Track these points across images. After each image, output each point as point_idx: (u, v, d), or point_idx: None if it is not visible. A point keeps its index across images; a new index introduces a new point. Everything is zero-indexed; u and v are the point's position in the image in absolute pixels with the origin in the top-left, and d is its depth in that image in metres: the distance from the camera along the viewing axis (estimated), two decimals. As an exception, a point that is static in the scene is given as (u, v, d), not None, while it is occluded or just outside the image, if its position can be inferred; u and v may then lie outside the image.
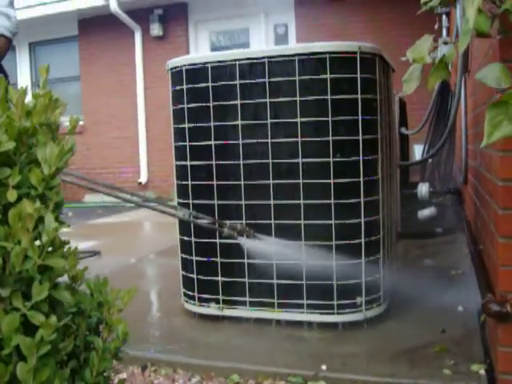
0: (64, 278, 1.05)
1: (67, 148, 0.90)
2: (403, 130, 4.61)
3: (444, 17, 5.77)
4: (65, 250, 0.95)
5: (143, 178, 9.48)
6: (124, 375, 2.28)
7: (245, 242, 2.48)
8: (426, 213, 4.55)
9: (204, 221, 2.50)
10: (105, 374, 0.98)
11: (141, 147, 9.45)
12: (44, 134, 0.91)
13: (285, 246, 2.46)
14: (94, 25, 9.65)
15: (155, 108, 8.94)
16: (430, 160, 4.96)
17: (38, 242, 0.89)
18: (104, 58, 9.74)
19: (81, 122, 9.90)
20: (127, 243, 5.31)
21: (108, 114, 9.70)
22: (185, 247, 2.75)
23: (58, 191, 0.91)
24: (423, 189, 4.42)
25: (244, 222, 2.53)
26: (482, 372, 2.03)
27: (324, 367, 2.15)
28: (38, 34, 10.13)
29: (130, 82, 9.50)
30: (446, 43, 1.25)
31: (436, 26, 5.70)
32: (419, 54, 1.18)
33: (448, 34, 5.62)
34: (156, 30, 9.17)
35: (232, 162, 2.53)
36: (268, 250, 2.48)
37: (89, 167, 9.84)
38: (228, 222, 2.44)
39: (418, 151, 6.37)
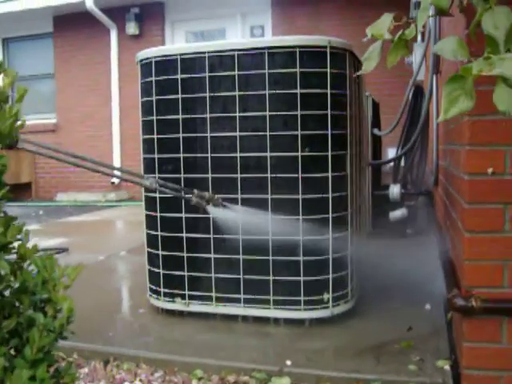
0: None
1: (11, 113, 0.86)
2: (376, 131, 4.61)
3: (419, 21, 5.80)
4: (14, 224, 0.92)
5: (116, 178, 9.38)
6: (85, 370, 2.23)
7: (212, 211, 2.43)
8: (397, 214, 4.55)
9: (172, 190, 2.44)
10: (47, 350, 0.95)
11: (114, 146, 9.36)
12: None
13: (252, 215, 2.42)
14: (69, 22, 9.54)
15: (130, 107, 8.86)
16: (402, 163, 4.98)
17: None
18: (79, 56, 9.64)
19: (54, 120, 9.79)
20: (97, 241, 5.24)
21: (82, 113, 9.60)
22: (151, 241, 2.71)
23: (-2, 154, 0.88)
24: (395, 190, 4.41)
25: (211, 215, 2.50)
26: (447, 368, 2.03)
27: (289, 363, 2.13)
28: (12, 30, 9.99)
29: (104, 80, 9.41)
30: (408, 23, 1.23)
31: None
32: (379, 30, 1.17)
33: (423, 38, 5.65)
34: (132, 28, 9.10)
35: (200, 155, 2.50)
36: (235, 218, 2.44)
37: (61, 165, 9.72)
38: (196, 191, 2.39)
39: (391, 155, 6.40)
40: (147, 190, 2.67)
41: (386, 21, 1.18)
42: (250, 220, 2.42)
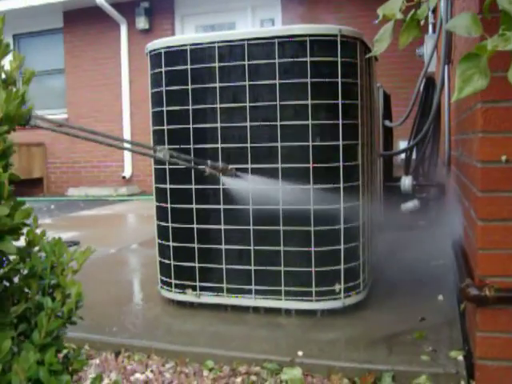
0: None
1: (18, 94, 0.85)
2: (387, 122, 4.58)
3: (430, 13, 5.77)
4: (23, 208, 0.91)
5: (127, 173, 9.41)
6: (97, 361, 2.23)
7: (226, 182, 2.43)
8: (409, 206, 4.52)
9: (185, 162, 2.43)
10: (55, 335, 0.94)
11: (125, 141, 9.37)
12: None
13: (265, 185, 2.41)
14: (79, 17, 9.57)
15: (140, 102, 8.88)
16: (414, 156, 4.94)
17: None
18: (89, 51, 9.67)
19: (65, 115, 9.82)
20: (109, 234, 5.25)
21: (92, 108, 9.63)
22: (162, 233, 2.70)
23: (4, 138, 0.87)
24: (406, 182, 4.39)
25: (222, 206, 2.49)
26: (461, 358, 2.01)
27: (300, 353, 2.12)
28: (22, 26, 10.03)
29: (115, 75, 9.43)
30: (420, 2, 1.21)
31: (422, 23, 5.68)
32: (390, 10, 1.15)
33: (434, 29, 5.61)
34: (142, 23, 9.11)
35: (210, 146, 2.49)
36: (249, 188, 2.43)
37: (73, 161, 9.77)
38: (209, 161, 2.38)
39: (403, 147, 6.35)
40: (157, 180, 2.67)
41: (397, 0, 1.16)
42: (263, 190, 2.40)
